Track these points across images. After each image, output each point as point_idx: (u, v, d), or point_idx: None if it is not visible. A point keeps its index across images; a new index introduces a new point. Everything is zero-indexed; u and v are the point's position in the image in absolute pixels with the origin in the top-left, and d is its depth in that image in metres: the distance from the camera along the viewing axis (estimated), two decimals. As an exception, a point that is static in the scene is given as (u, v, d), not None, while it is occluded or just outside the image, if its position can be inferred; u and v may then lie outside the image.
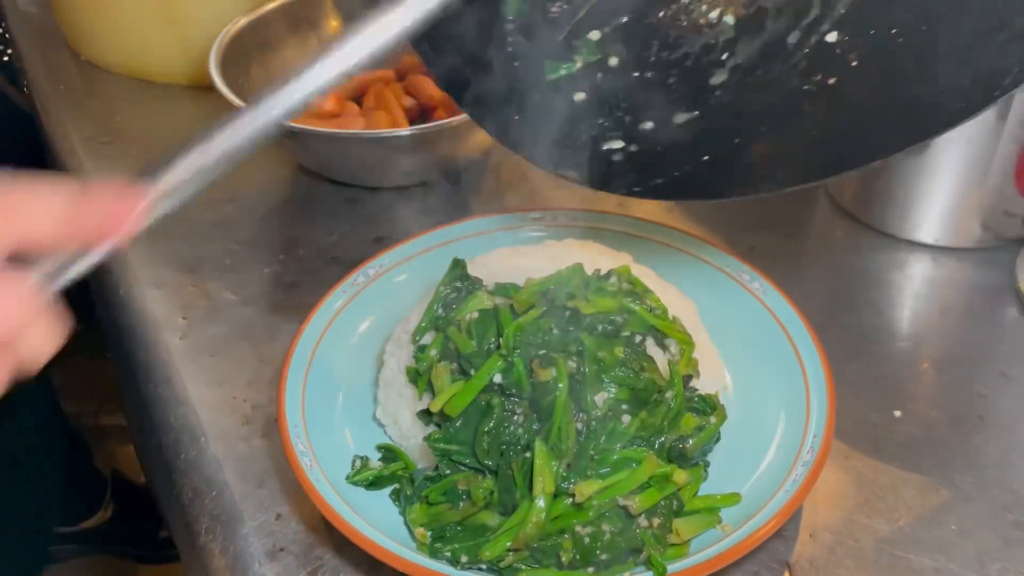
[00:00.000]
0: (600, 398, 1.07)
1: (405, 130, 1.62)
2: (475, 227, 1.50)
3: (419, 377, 1.18)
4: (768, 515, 1.05)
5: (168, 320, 1.54)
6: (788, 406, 1.19)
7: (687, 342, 1.15)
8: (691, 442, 1.12)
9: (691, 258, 1.42)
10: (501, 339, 1.11)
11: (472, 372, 1.10)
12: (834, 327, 1.41)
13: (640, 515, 1.04)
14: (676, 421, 1.11)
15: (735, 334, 1.31)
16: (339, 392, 1.31)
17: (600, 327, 1.11)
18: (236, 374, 1.43)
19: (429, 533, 1.08)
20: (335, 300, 1.38)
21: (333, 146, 1.67)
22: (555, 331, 1.10)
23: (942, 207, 1.53)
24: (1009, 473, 1.20)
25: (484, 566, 1.05)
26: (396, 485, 1.18)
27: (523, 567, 1.03)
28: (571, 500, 1.05)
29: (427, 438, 1.12)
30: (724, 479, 1.15)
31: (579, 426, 1.06)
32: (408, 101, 1.83)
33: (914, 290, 1.52)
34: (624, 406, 1.08)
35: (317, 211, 1.78)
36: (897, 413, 1.29)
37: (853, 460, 1.23)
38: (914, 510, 1.16)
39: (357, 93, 1.89)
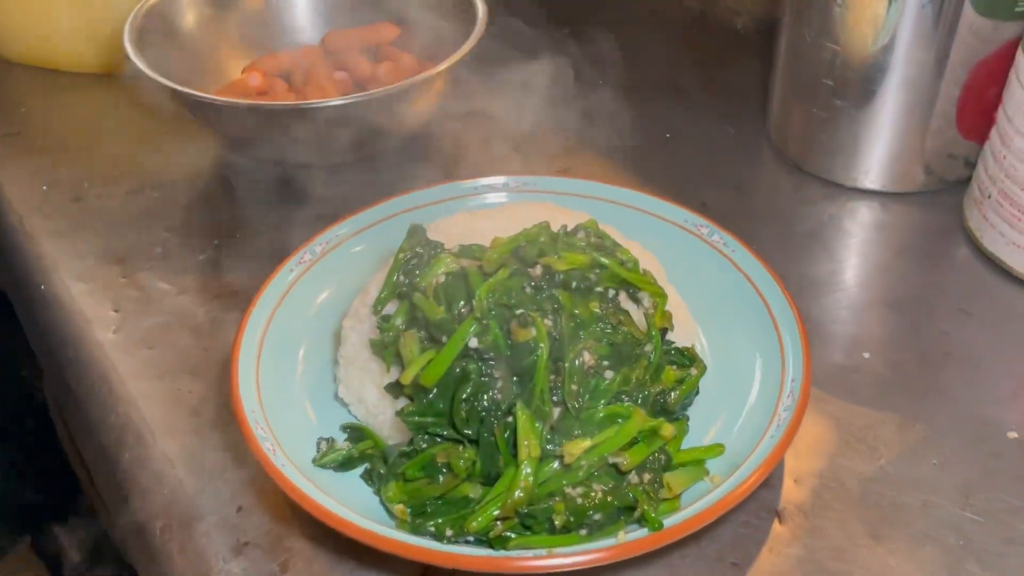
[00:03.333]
0: (581, 356, 1.03)
1: (337, 100, 1.54)
2: (430, 196, 1.44)
3: (385, 349, 1.11)
4: (755, 464, 1.03)
5: (98, 314, 1.44)
6: (763, 354, 1.18)
7: (660, 294, 1.12)
8: (673, 395, 1.09)
9: (650, 217, 1.39)
10: (473, 302, 1.05)
11: (444, 339, 1.05)
12: (792, 276, 1.40)
13: (630, 472, 1.00)
14: (658, 375, 1.07)
15: (701, 288, 1.28)
16: (295, 373, 1.23)
17: (574, 284, 1.07)
18: (178, 366, 1.34)
19: (408, 510, 1.03)
20: (284, 277, 1.31)
21: (262, 121, 1.58)
22: (528, 290, 1.05)
23: (886, 153, 1.54)
24: (980, 405, 1.20)
25: (471, 538, 0.99)
26: (367, 465, 1.12)
27: (512, 535, 0.98)
28: (559, 462, 1.00)
29: (399, 412, 1.06)
30: (705, 431, 1.12)
31: (559, 385, 1.02)
32: (340, 75, 1.76)
33: (866, 236, 1.52)
34: (605, 362, 1.04)
35: (250, 194, 1.69)
36: (866, 355, 1.29)
37: (828, 405, 1.22)
38: (894, 449, 1.16)
39: (284, 71, 1.80)
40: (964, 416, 1.20)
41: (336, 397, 1.22)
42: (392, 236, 1.38)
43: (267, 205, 1.65)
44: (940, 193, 1.56)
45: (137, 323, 1.42)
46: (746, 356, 1.19)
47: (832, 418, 1.21)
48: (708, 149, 1.73)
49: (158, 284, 1.49)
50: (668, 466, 1.04)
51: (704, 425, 1.13)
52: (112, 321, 1.42)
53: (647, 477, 1.01)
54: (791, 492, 1.12)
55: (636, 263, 1.14)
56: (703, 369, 1.11)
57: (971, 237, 1.45)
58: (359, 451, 1.13)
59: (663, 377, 1.08)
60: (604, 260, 1.10)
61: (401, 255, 1.15)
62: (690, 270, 1.31)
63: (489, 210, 1.28)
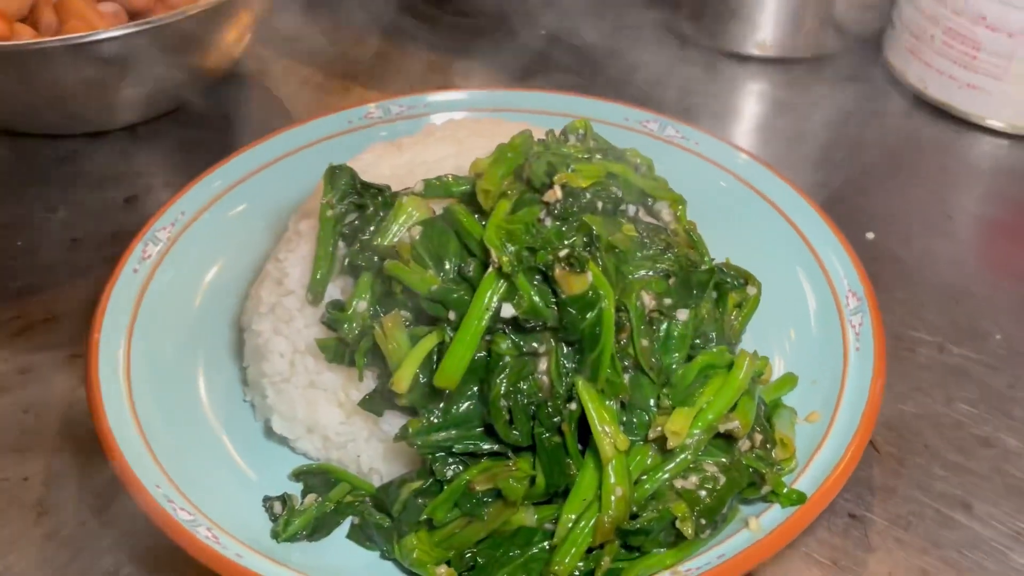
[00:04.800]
0: (640, 299, 0.74)
1: (116, 30, 1.09)
2: (314, 131, 1.07)
3: (347, 351, 0.76)
4: (861, 394, 0.80)
5: None
6: (799, 262, 0.95)
7: (679, 200, 0.85)
8: (736, 322, 0.83)
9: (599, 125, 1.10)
10: (472, 256, 0.73)
11: (451, 315, 0.72)
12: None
13: (743, 438, 0.74)
14: (724, 300, 0.81)
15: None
16: (198, 408, 0.85)
17: (600, 205, 0.77)
18: (-9, 444, 0.90)
19: (455, 571, 0.70)
20: (129, 280, 0.90)
21: (15, 71, 1.11)
22: (548, 222, 0.75)
23: (783, 13, 1.37)
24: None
25: (562, 586, 0.69)
26: (352, 520, 0.77)
27: (623, 564, 0.69)
28: (655, 448, 0.72)
29: (401, 435, 0.73)
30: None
31: (625, 345, 0.73)
32: (109, 6, 1.29)
33: (787, 108, 1.35)
34: (668, 300, 0.76)
35: (21, 182, 1.21)
36: (870, 235, 1.11)
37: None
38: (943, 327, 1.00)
39: (25, 15, 1.30)
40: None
41: (267, 432, 0.85)
42: (277, 193, 1.02)
43: (49, 192, 1.19)
44: (848, 54, 1.41)
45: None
46: (779, 267, 0.95)
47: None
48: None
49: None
50: (770, 416, 0.79)
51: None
52: None
53: (759, 438, 0.75)
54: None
55: (651, 165, 0.86)
56: (759, 285, 0.86)
57: (911, 89, 1.32)
58: (334, 503, 0.78)
59: (728, 303, 0.82)
60: (615, 168, 0.81)
61: (330, 212, 0.80)
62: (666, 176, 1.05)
63: (411, 138, 0.94)
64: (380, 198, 0.79)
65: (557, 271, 0.70)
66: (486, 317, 0.70)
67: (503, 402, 0.70)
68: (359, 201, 0.80)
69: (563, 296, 0.70)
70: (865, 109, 1.33)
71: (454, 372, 0.70)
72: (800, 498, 0.72)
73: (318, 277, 0.79)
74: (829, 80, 1.37)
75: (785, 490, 0.73)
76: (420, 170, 0.86)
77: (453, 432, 0.72)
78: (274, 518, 0.77)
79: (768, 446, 0.76)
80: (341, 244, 0.80)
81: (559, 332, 0.71)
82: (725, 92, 1.39)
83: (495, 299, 0.70)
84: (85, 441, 0.89)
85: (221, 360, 0.91)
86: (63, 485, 0.86)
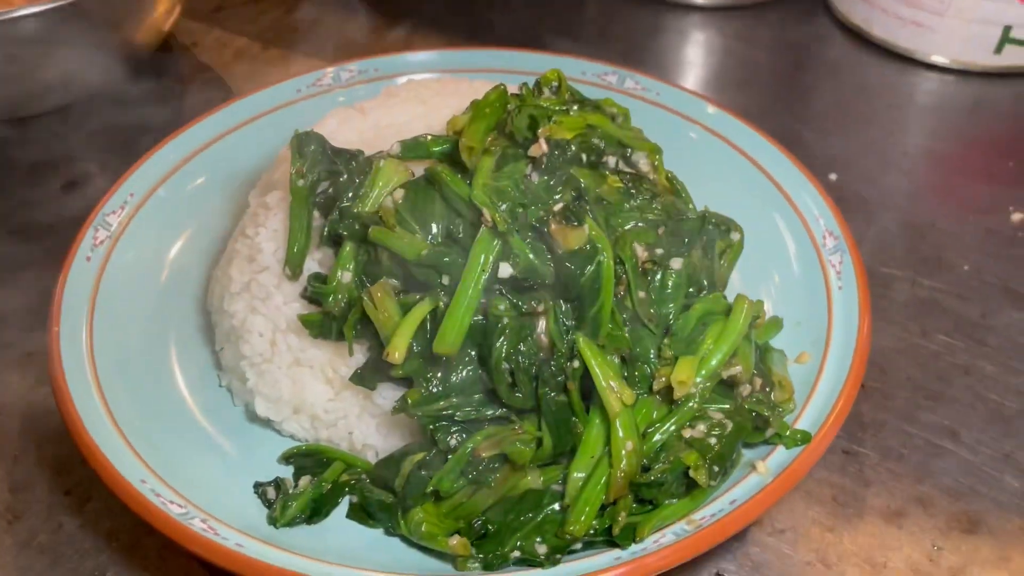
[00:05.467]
0: (633, 251, 0.73)
1: (35, 6, 1.02)
2: (264, 102, 1.02)
3: (334, 322, 0.73)
4: (850, 333, 0.80)
5: None
6: (774, 208, 0.94)
7: (656, 149, 0.84)
8: (724, 266, 0.83)
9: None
10: (459, 217, 0.70)
11: (444, 279, 0.69)
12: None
13: (744, 383, 0.74)
14: (711, 245, 0.80)
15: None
16: (175, 393, 0.81)
17: (585, 157, 0.75)
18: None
19: (467, 540, 0.68)
20: (82, 268, 0.84)
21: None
22: (535, 177, 0.72)
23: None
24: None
25: (578, 545, 0.68)
26: (351, 499, 0.75)
27: (638, 518, 0.68)
28: (659, 399, 0.71)
29: (399, 407, 0.70)
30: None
31: (623, 298, 0.72)
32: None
33: (748, 55, 1.34)
34: (660, 251, 0.75)
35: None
36: (832, 177, 1.11)
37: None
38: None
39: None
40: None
41: (248, 418, 0.81)
42: (231, 167, 0.98)
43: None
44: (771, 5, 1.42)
45: None
46: (753, 212, 0.94)
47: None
48: None
49: None
50: (764, 359, 0.78)
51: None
52: None
53: (758, 382, 0.75)
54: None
55: (627, 115, 0.84)
56: (742, 230, 0.85)
57: (856, 30, 1.32)
58: (331, 482, 0.75)
59: (716, 250, 0.81)
60: (594, 119, 0.79)
61: (301, 181, 0.76)
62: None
63: (371, 101, 0.90)
64: (354, 163, 0.76)
65: (553, 226, 0.67)
66: (483, 279, 0.68)
67: (505, 365, 0.68)
68: (331, 168, 0.76)
69: (560, 252, 0.68)
70: (812, 52, 1.34)
71: (454, 338, 0.67)
72: (805, 437, 0.72)
73: (295, 251, 0.75)
74: (774, 26, 1.38)
75: (788, 432, 0.73)
76: (388, 132, 0.83)
77: (454, 400, 0.70)
78: (268, 504, 0.74)
79: (767, 389, 0.75)
80: (316, 214, 0.76)
81: (557, 289, 0.70)
82: (672, 43, 1.38)
83: (490, 259, 0.68)
84: (50, 441, 0.84)
85: (192, 345, 0.86)
86: (32, 489, 0.81)
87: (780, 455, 0.72)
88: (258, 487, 0.75)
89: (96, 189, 1.00)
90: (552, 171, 0.72)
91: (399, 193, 0.72)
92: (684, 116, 1.05)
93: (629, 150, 0.82)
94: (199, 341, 0.87)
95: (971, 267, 1.01)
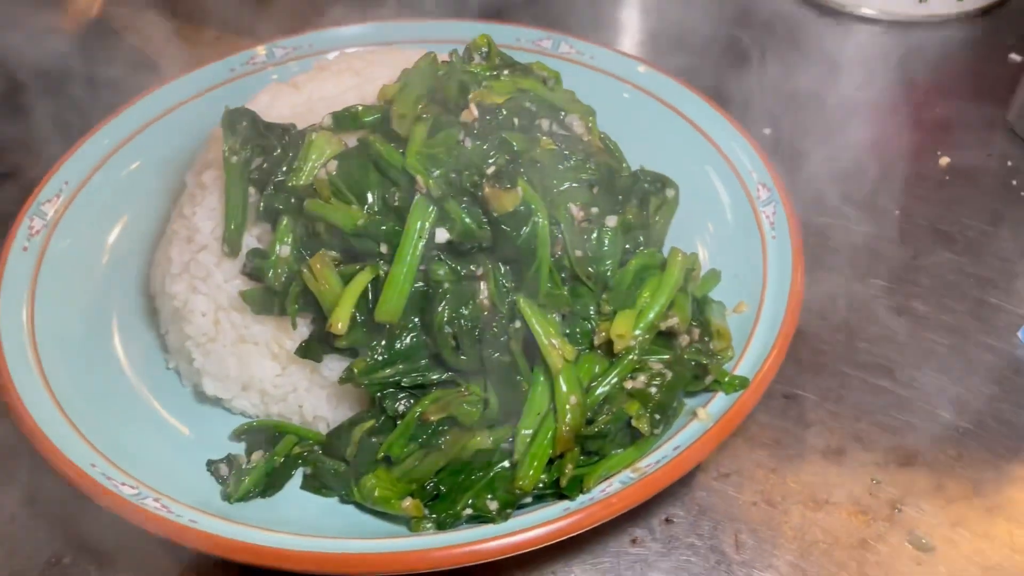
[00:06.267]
0: (568, 211, 0.74)
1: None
2: (197, 82, 1.01)
3: (276, 297, 0.73)
4: (782, 287, 0.82)
5: None
6: (708, 163, 0.96)
7: (589, 111, 0.85)
8: (659, 222, 0.84)
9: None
10: (395, 186, 0.71)
11: (382, 248, 0.70)
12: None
13: (683, 333, 0.76)
14: (647, 203, 0.82)
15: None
16: (116, 389, 0.80)
17: (516, 121, 0.76)
18: None
19: (420, 502, 0.70)
20: (19, 260, 0.84)
21: None
22: (468, 143, 0.73)
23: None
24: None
25: (529, 499, 0.70)
26: (305, 471, 0.76)
27: (584, 470, 0.70)
28: (599, 353, 0.73)
29: (347, 377, 0.71)
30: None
31: (560, 257, 0.73)
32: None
33: (674, 10, 1.36)
34: (595, 209, 0.76)
35: None
36: (767, 131, 1.13)
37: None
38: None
39: None
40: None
41: (197, 398, 0.82)
42: (160, 151, 0.97)
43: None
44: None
45: None
46: (685, 167, 0.96)
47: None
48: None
49: None
50: (703, 309, 0.80)
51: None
52: None
53: (696, 332, 0.77)
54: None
55: (559, 79, 0.85)
56: (676, 186, 0.87)
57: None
58: (283, 456, 0.75)
59: (651, 206, 0.83)
60: (525, 84, 0.80)
61: (235, 158, 0.76)
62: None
63: (303, 75, 0.90)
64: (286, 137, 0.76)
65: (487, 190, 0.68)
66: (420, 245, 0.68)
67: (447, 329, 0.69)
68: (264, 143, 0.76)
69: (495, 215, 0.69)
70: (746, 10, 1.35)
71: (395, 305, 0.68)
72: (743, 383, 0.74)
73: (232, 228, 0.75)
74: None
75: (727, 378, 0.75)
76: (321, 105, 0.82)
77: (400, 366, 0.71)
78: (221, 480, 0.74)
79: (705, 339, 0.77)
80: (251, 191, 0.76)
81: (495, 252, 0.71)
82: (606, 7, 1.38)
83: (427, 226, 0.69)
84: (-3, 432, 0.84)
85: (136, 330, 0.86)
86: None
87: (720, 401, 0.75)
88: (211, 464, 0.75)
89: (28, 180, 0.98)
90: (484, 136, 0.73)
91: (332, 164, 0.72)
92: (617, 77, 1.06)
93: (562, 113, 0.83)
94: (143, 325, 0.87)
95: (901, 211, 1.04)
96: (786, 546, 0.76)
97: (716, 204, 0.93)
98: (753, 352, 0.78)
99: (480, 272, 0.70)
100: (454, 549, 0.63)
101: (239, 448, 0.78)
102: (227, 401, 0.80)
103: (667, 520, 0.77)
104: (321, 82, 0.87)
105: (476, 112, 0.73)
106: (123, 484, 0.69)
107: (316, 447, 0.76)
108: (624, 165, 0.82)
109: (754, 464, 0.81)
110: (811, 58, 1.27)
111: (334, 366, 0.75)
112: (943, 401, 0.86)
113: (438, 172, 0.69)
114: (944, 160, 1.09)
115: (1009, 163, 1.09)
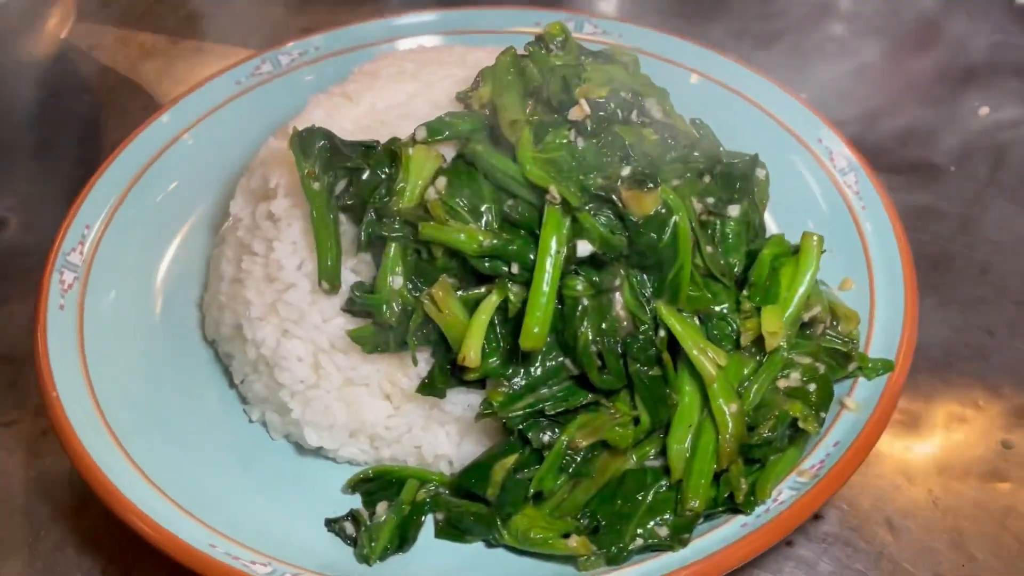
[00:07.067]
0: (691, 205, 0.69)
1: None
2: (204, 100, 0.92)
3: (392, 333, 0.66)
4: (890, 255, 0.79)
5: None
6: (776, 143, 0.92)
7: (664, 95, 0.80)
8: (762, 205, 0.80)
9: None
10: (513, 198, 0.65)
11: (512, 268, 0.64)
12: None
13: (821, 322, 0.72)
14: (750, 187, 0.77)
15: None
16: (196, 454, 0.72)
17: (621, 113, 0.70)
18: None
19: (586, 539, 0.64)
20: (59, 327, 0.74)
21: None
22: (580, 143, 0.67)
23: None
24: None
25: (701, 520, 0.65)
26: (436, 517, 0.69)
27: (751, 478, 0.65)
28: (748, 354, 0.68)
29: (487, 412, 0.65)
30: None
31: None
32: None
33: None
34: (711, 199, 0.71)
35: None
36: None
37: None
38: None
39: None
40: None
41: (296, 449, 0.74)
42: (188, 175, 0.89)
43: None
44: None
45: None
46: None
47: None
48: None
49: None
50: (816, 290, 0.76)
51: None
52: None
53: (828, 318, 0.73)
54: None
55: (636, 61, 0.80)
56: (766, 166, 0.82)
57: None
58: (408, 503, 0.69)
59: (755, 191, 0.78)
60: (613, 72, 0.75)
61: (316, 184, 0.68)
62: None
63: (346, 86, 0.82)
64: (372, 157, 0.69)
65: (624, 193, 0.63)
66: (560, 261, 0.62)
67: (592, 348, 0.64)
68: (347, 164, 0.68)
69: (633, 219, 0.64)
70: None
71: (541, 330, 0.62)
72: (887, 366, 0.71)
73: (329, 263, 0.68)
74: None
75: (870, 363, 0.71)
76: (392, 115, 0.75)
77: (543, 392, 0.65)
78: (349, 540, 0.67)
79: (835, 324, 0.74)
80: (343, 217, 0.68)
81: (631, 259, 0.65)
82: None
83: (563, 239, 0.63)
84: (70, 514, 0.74)
85: (201, 381, 0.78)
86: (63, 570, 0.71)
87: (864, 388, 0.71)
88: (331, 524, 0.68)
89: (27, 227, 0.88)
90: (596, 134, 0.67)
91: (441, 182, 0.65)
92: (652, 55, 1.00)
93: (641, 98, 0.78)
94: (208, 376, 0.79)
95: (956, 168, 1.02)
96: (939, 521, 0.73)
97: (796, 180, 0.89)
98: (882, 330, 0.75)
99: (617, 283, 0.65)
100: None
101: (352, 501, 0.71)
102: (332, 451, 0.72)
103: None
104: (377, 91, 0.79)
105: (588, 108, 0.67)
106: (254, 563, 0.62)
107: (443, 490, 0.70)
108: (722, 149, 0.77)
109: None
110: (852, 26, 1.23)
111: (457, 399, 0.69)
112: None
113: (570, 179, 0.63)
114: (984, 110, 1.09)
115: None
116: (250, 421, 0.76)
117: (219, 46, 1.22)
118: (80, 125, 1.10)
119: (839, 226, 0.84)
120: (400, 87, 0.79)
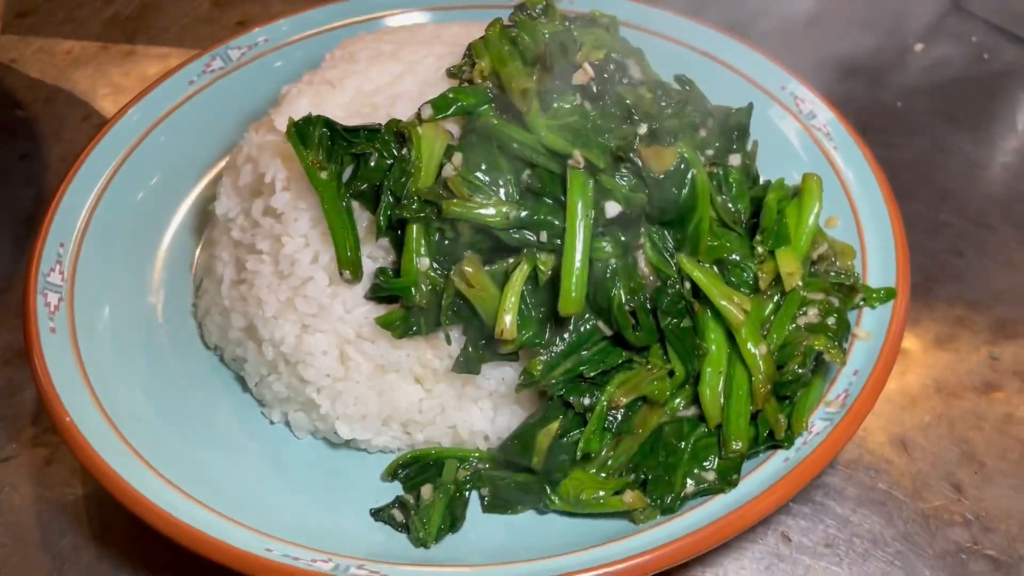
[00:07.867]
0: (704, 158, 0.71)
1: None
2: (160, 102, 0.88)
3: (423, 315, 0.66)
4: (870, 192, 0.82)
5: None
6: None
7: (640, 54, 0.81)
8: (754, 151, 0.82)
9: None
10: (531, 167, 0.65)
11: (541, 236, 0.64)
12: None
13: (827, 259, 0.75)
14: (743, 136, 0.79)
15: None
16: (227, 462, 0.70)
17: (617, 76, 0.71)
18: None
19: (640, 492, 0.66)
20: (55, 350, 0.71)
21: None
22: (588, 106, 0.68)
23: None
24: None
25: (742, 461, 0.67)
26: (482, 492, 0.69)
27: (784, 414, 0.68)
28: (764, 295, 0.70)
29: (530, 382, 0.65)
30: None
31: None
32: None
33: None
34: (710, 151, 0.73)
35: None
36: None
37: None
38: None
39: None
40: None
41: (325, 443, 0.73)
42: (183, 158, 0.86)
43: None
44: None
45: None
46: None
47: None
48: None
49: None
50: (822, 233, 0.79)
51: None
52: None
53: (830, 255, 0.76)
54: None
55: (615, 22, 0.80)
56: (750, 113, 0.84)
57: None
58: (451, 482, 0.69)
59: (747, 139, 0.80)
60: (600, 35, 0.75)
61: (323, 173, 0.67)
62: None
63: (325, 73, 0.79)
64: (378, 140, 0.67)
65: (643, 151, 0.64)
66: (589, 224, 0.63)
67: (627, 306, 0.65)
68: (353, 150, 0.67)
69: (653, 175, 0.65)
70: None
71: (578, 294, 0.63)
72: (890, 293, 0.74)
73: (348, 253, 0.66)
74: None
75: (873, 292, 0.75)
76: (381, 98, 0.73)
77: (581, 355, 0.66)
78: (400, 527, 0.67)
79: (834, 259, 0.77)
80: (357, 203, 0.67)
81: (651, 216, 0.66)
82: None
83: (590, 202, 0.63)
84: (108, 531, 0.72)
85: (212, 387, 0.76)
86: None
87: (871, 316, 0.74)
88: (378, 513, 0.68)
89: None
90: (600, 96, 0.68)
91: (458, 158, 0.65)
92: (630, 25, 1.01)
93: (635, 60, 0.79)
94: (219, 381, 0.77)
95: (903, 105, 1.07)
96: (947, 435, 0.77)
97: (768, 126, 0.91)
98: (876, 260, 0.78)
99: (642, 241, 0.66)
100: (720, 522, 0.60)
101: (391, 488, 0.70)
102: (364, 442, 0.71)
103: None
104: (360, 75, 0.77)
105: (592, 72, 0.67)
106: (314, 560, 0.61)
107: (482, 465, 0.70)
108: (709, 104, 0.79)
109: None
110: None
111: (491, 374, 0.69)
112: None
113: (590, 143, 0.64)
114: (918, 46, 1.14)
115: None
116: (272, 423, 0.74)
117: (153, 48, 1.17)
118: (19, 142, 1.04)
119: (815, 168, 0.87)
120: (383, 68, 0.78)
